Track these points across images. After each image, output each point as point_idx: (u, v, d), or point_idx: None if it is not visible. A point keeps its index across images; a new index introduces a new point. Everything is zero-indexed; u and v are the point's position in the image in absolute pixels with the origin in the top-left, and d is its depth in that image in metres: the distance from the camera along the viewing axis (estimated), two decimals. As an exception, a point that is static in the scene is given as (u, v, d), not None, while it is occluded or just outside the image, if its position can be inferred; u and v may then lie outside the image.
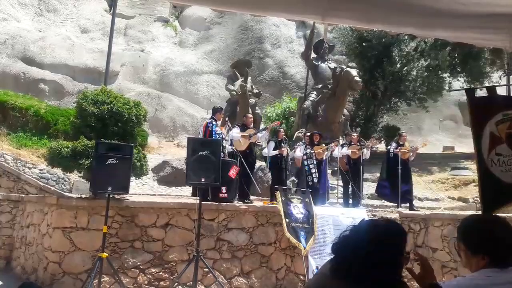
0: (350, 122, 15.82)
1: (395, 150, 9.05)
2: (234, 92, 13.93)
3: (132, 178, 7.00)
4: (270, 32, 22.52)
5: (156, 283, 6.03)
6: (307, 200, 7.11)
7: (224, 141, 7.63)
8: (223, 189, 6.71)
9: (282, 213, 6.64)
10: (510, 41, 2.79)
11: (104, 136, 6.65)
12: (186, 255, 6.16)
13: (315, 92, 14.99)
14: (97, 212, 5.83)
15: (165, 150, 16.81)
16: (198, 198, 6.07)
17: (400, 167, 8.72)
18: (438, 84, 17.62)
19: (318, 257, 6.70)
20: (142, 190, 11.54)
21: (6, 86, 16.44)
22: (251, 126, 8.27)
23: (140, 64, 20.89)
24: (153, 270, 6.03)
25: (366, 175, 10.75)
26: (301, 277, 6.65)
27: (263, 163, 10.27)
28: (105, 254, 5.26)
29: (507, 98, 3.44)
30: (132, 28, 22.64)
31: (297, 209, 6.87)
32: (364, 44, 17.21)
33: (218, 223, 6.45)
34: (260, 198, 8.42)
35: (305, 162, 8.83)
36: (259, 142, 8.81)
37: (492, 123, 3.15)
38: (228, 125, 8.44)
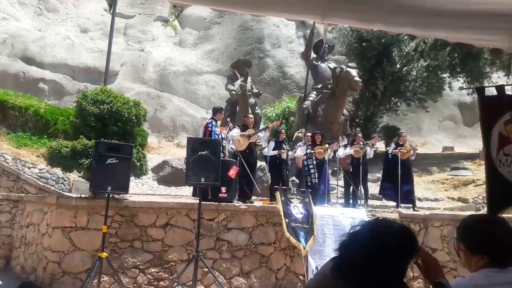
0: (349, 122, 15.82)
1: (393, 151, 9.04)
2: (234, 92, 13.93)
3: (132, 178, 7.00)
4: (270, 32, 22.52)
5: (156, 283, 6.03)
6: (306, 200, 7.11)
7: (224, 141, 7.63)
8: (223, 189, 6.71)
9: (281, 213, 6.64)
10: (509, 41, 2.79)
11: (104, 136, 6.64)
12: (186, 255, 6.16)
13: (314, 92, 14.99)
14: (96, 211, 5.83)
15: (165, 150, 16.81)
16: (198, 198, 6.06)
17: (400, 167, 8.70)
18: (437, 85, 17.63)
19: (317, 257, 6.70)
20: (142, 190, 11.55)
21: (6, 85, 16.43)
22: (252, 126, 8.27)
23: (140, 64, 20.89)
24: (152, 270, 6.03)
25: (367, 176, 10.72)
26: (301, 277, 6.65)
27: (263, 163, 10.26)
28: (104, 254, 5.26)
29: None
30: (132, 28, 22.63)
31: (297, 209, 6.87)
32: (364, 44, 17.21)
33: (217, 223, 6.45)
34: (260, 198, 8.42)
35: (305, 163, 8.83)
36: (259, 142, 8.80)
37: (500, 123, 3.10)
38: (229, 127, 8.44)
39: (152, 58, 21.21)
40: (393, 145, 9.25)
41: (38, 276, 5.87)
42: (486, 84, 18.86)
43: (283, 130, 9.12)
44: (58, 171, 10.44)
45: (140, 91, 19.51)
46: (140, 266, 5.98)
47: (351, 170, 9.06)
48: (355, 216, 7.30)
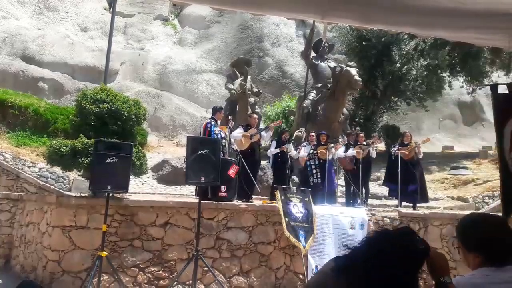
0: (349, 121, 15.81)
1: (396, 151, 8.99)
2: (234, 91, 13.92)
3: (132, 177, 7.01)
4: (270, 31, 22.51)
5: (156, 282, 6.03)
6: (306, 199, 7.11)
7: (224, 140, 7.62)
8: (223, 188, 6.71)
9: (281, 212, 6.64)
10: (509, 40, 2.79)
11: (104, 135, 6.64)
12: (186, 254, 6.16)
13: (314, 91, 14.97)
14: (96, 210, 5.83)
15: (165, 149, 16.82)
16: (197, 197, 6.06)
17: (404, 167, 8.63)
18: (437, 84, 17.62)
19: (317, 256, 6.70)
20: (142, 189, 11.55)
21: (6, 84, 16.44)
22: (255, 126, 8.29)
23: (140, 63, 20.88)
24: (152, 269, 6.03)
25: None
26: (301, 276, 6.66)
27: (264, 163, 10.26)
28: (104, 253, 5.26)
29: None
30: (131, 27, 22.62)
31: (297, 208, 6.87)
32: (363, 43, 17.19)
33: (217, 222, 6.45)
34: (260, 197, 8.42)
35: (307, 163, 8.83)
36: (262, 142, 8.77)
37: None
38: (230, 127, 8.43)
39: (152, 57, 21.20)
40: (397, 145, 9.20)
41: (38, 275, 5.87)
42: (486, 83, 18.86)
43: (286, 130, 9.13)
44: (58, 170, 10.46)
45: (140, 90, 19.51)
46: (140, 265, 5.98)
47: (355, 168, 9.03)
48: (355, 216, 7.30)
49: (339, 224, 7.09)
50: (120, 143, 6.03)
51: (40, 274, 5.81)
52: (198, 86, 20.98)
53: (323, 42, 15.09)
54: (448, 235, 7.33)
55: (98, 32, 21.65)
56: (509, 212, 3.00)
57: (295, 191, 7.25)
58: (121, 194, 6.26)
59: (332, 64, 15.20)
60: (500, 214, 3.22)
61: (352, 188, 9.11)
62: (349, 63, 14.25)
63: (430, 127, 22.43)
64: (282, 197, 6.83)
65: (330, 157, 8.76)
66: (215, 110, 8.02)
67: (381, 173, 13.66)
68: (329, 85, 14.58)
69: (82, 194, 7.18)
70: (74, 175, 10.85)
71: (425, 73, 17.27)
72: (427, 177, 14.07)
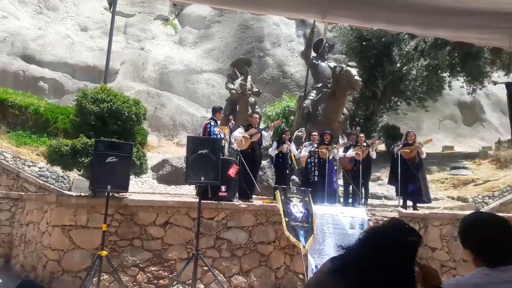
0: (349, 121, 15.81)
1: (398, 150, 8.98)
2: (234, 91, 13.92)
3: (132, 177, 7.01)
4: (270, 31, 22.50)
5: (156, 281, 6.03)
6: (306, 199, 7.12)
7: (223, 140, 7.62)
8: (223, 188, 6.71)
9: (281, 212, 6.65)
10: (510, 40, 2.79)
11: (104, 135, 6.64)
12: (186, 253, 6.17)
13: (314, 91, 14.97)
14: (96, 210, 5.83)
15: (165, 148, 16.82)
16: (197, 196, 6.07)
17: (405, 166, 8.62)
18: (437, 84, 17.61)
19: (317, 256, 6.71)
20: (142, 188, 11.56)
21: (6, 84, 16.43)
22: (257, 126, 8.29)
23: (140, 63, 20.87)
24: (152, 269, 6.03)
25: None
26: (300, 276, 6.66)
27: (264, 162, 10.27)
28: (104, 252, 5.26)
29: None
30: (132, 26, 22.62)
31: (297, 208, 6.87)
32: (364, 43, 17.19)
33: (217, 222, 6.45)
34: (260, 197, 8.43)
35: (308, 160, 8.85)
36: (264, 141, 8.78)
37: None
38: (230, 126, 8.42)
39: (152, 57, 21.20)
40: (400, 144, 9.19)
41: (38, 275, 5.87)
42: (486, 84, 18.87)
43: (287, 130, 9.14)
44: (58, 169, 10.46)
45: (140, 90, 19.51)
46: (140, 265, 5.98)
47: (355, 168, 9.02)
48: (354, 215, 7.31)
49: (339, 224, 7.09)
50: (120, 142, 6.03)
51: (40, 274, 5.82)
52: (198, 86, 20.98)
53: (324, 42, 15.09)
54: (448, 235, 7.32)
55: (98, 31, 21.65)
56: None
57: (295, 191, 7.25)
58: (121, 194, 6.26)
59: (332, 64, 15.19)
60: (502, 214, 3.21)
61: (351, 188, 9.12)
62: (349, 63, 14.25)
63: (430, 127, 22.44)
64: (282, 197, 6.84)
65: (331, 157, 8.76)
66: (215, 110, 8.02)
67: (381, 173, 13.67)
68: (329, 85, 14.57)
69: (82, 194, 7.18)
70: (74, 174, 10.85)
71: (425, 73, 17.26)
72: (427, 177, 14.08)
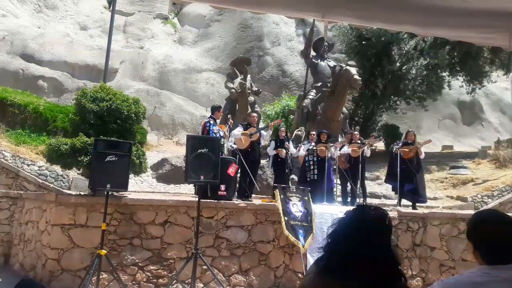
0: (349, 120, 15.83)
1: (396, 149, 8.99)
2: (234, 90, 13.92)
3: (131, 176, 7.00)
4: (270, 30, 22.50)
5: (155, 280, 6.03)
6: (306, 198, 7.11)
7: (222, 139, 7.62)
8: (222, 187, 6.71)
9: (281, 211, 6.64)
10: (509, 40, 2.79)
11: (103, 133, 6.64)
12: (185, 252, 6.17)
13: (314, 90, 14.98)
14: (95, 209, 5.83)
15: (164, 147, 16.82)
16: (197, 195, 6.06)
17: (403, 166, 8.64)
18: (437, 83, 17.63)
19: (316, 255, 6.69)
20: (141, 187, 11.55)
21: (5, 82, 16.41)
22: (255, 125, 8.29)
23: (139, 62, 20.86)
24: (151, 268, 6.03)
25: (365, 174, 10.73)
26: (300, 275, 6.66)
27: (263, 162, 10.27)
28: (103, 251, 5.26)
29: None
30: (131, 25, 22.60)
31: (296, 207, 6.87)
32: (363, 42, 17.20)
33: (217, 221, 6.45)
34: (259, 196, 8.43)
35: (306, 158, 8.85)
36: (262, 141, 8.78)
37: None
38: (229, 125, 8.41)
39: (152, 56, 21.18)
40: (400, 143, 9.20)
41: (37, 273, 5.87)
42: (486, 83, 18.88)
43: (282, 128, 9.12)
44: (57, 168, 10.45)
45: (140, 89, 19.50)
46: (139, 264, 5.98)
47: (348, 167, 9.04)
48: (354, 215, 7.30)
49: (339, 223, 7.08)
50: (120, 141, 6.02)
51: (40, 273, 5.81)
52: (198, 84, 20.97)
53: (323, 41, 15.09)
54: (447, 235, 7.33)
55: (97, 30, 21.63)
56: None
57: (294, 190, 7.25)
58: (120, 193, 6.26)
59: (332, 63, 15.21)
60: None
61: (349, 187, 9.12)
62: (349, 62, 14.26)
63: (429, 126, 22.46)
64: (282, 196, 6.84)
65: (329, 155, 8.76)
66: (214, 108, 8.02)
67: (380, 172, 13.68)
68: (328, 84, 14.59)
69: (82, 193, 7.18)
70: (73, 173, 10.84)
71: (424, 72, 17.28)
72: (427, 177, 14.07)
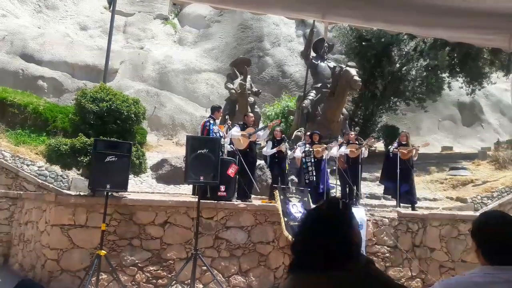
0: (349, 121, 15.82)
1: (394, 149, 9.03)
2: (234, 91, 13.92)
3: (131, 176, 6.99)
4: (270, 31, 22.50)
5: (154, 281, 6.03)
6: (305, 199, 7.12)
7: (222, 139, 7.61)
8: (222, 188, 6.71)
9: (280, 212, 6.65)
10: (509, 41, 2.79)
11: (103, 134, 6.64)
12: (185, 253, 6.16)
13: (314, 91, 14.99)
14: (95, 209, 5.83)
15: (164, 148, 16.80)
16: (197, 196, 6.06)
17: (400, 166, 8.68)
18: (437, 84, 17.62)
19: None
20: (141, 188, 11.53)
21: (5, 82, 16.39)
22: (252, 125, 8.29)
23: (139, 62, 20.84)
24: (151, 268, 6.03)
25: (364, 175, 10.75)
26: (299, 276, 6.65)
27: (262, 162, 10.26)
28: (103, 252, 5.26)
29: None
30: (131, 26, 22.59)
31: (296, 208, 6.87)
32: (363, 43, 17.19)
33: (216, 222, 6.45)
34: (259, 196, 8.42)
35: (303, 160, 8.84)
36: (259, 141, 8.80)
37: None
38: (228, 125, 8.41)
39: (152, 56, 21.17)
40: (395, 144, 9.25)
41: (37, 274, 5.86)
42: (485, 84, 18.89)
43: (278, 128, 9.13)
44: (57, 168, 10.43)
45: (139, 89, 19.48)
46: (139, 264, 5.98)
47: (346, 167, 9.05)
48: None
49: (338, 224, 7.08)
50: (120, 142, 6.02)
51: (39, 273, 5.81)
52: (198, 85, 20.96)
53: (323, 42, 15.09)
54: (447, 236, 7.33)
55: (98, 31, 21.62)
56: None
57: (294, 191, 7.25)
58: (120, 193, 6.26)
59: (332, 64, 15.21)
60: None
61: (347, 188, 9.12)
62: (349, 63, 14.27)
63: (429, 127, 22.45)
64: (281, 197, 6.84)
65: (327, 156, 8.77)
66: (214, 109, 8.02)
67: (380, 173, 13.67)
68: (328, 85, 14.59)
69: (81, 193, 7.18)
70: (73, 173, 10.83)
71: (424, 73, 17.28)
72: (426, 178, 14.11)
